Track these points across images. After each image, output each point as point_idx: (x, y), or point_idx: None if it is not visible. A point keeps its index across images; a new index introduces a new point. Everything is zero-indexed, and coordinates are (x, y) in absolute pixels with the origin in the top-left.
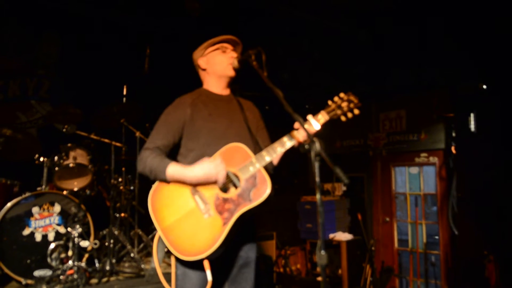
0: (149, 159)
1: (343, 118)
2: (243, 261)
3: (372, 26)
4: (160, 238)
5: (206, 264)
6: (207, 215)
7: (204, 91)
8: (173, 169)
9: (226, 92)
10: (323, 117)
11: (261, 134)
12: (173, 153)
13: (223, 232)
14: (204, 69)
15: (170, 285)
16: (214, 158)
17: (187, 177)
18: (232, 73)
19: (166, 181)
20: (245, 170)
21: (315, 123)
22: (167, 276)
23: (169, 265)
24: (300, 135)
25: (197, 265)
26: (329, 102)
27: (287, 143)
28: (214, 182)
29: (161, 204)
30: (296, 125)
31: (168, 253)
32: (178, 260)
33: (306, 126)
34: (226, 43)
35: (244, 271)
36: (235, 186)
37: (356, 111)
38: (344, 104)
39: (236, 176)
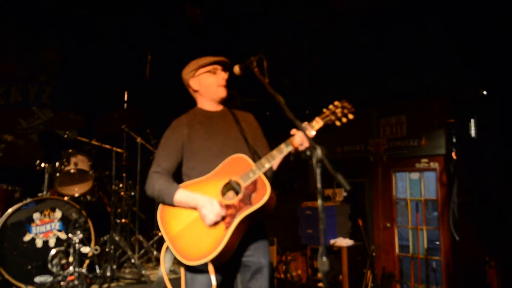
0: (158, 184)
1: (337, 123)
2: (255, 266)
3: (372, 32)
4: (167, 248)
5: (211, 268)
6: None
7: (199, 110)
8: (181, 195)
9: (220, 108)
10: (317, 123)
11: (260, 143)
12: (178, 173)
13: (226, 235)
14: (196, 90)
15: None
16: (215, 203)
17: (190, 203)
18: (223, 94)
19: (172, 205)
20: (246, 177)
21: (310, 129)
22: (173, 282)
23: (171, 271)
24: (296, 140)
25: (205, 269)
26: (324, 110)
27: (284, 149)
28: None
29: (169, 215)
30: (293, 131)
31: (178, 263)
32: (186, 266)
33: (307, 134)
34: (216, 64)
35: (257, 277)
36: (237, 193)
37: (351, 116)
38: (338, 110)
39: (238, 184)
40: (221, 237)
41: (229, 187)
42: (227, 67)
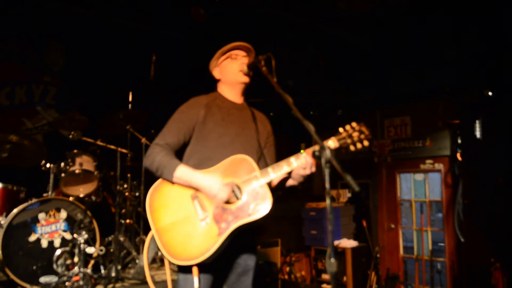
0: (159, 156)
1: (352, 148)
2: (241, 268)
3: (376, 33)
4: (152, 237)
5: (195, 270)
6: (204, 222)
7: (219, 96)
8: (182, 171)
9: (240, 100)
10: (333, 143)
11: (268, 150)
12: (178, 153)
13: (217, 241)
14: (219, 79)
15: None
16: (225, 181)
17: (193, 182)
18: (243, 79)
19: (171, 181)
20: (248, 184)
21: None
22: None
23: (172, 270)
24: (301, 162)
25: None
26: (341, 130)
27: (293, 163)
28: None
29: (159, 203)
30: (307, 151)
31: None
32: (179, 267)
33: (313, 146)
34: (238, 49)
35: (243, 279)
36: (236, 198)
37: (366, 143)
38: (355, 134)
39: (239, 188)
40: (213, 243)
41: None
42: (250, 53)
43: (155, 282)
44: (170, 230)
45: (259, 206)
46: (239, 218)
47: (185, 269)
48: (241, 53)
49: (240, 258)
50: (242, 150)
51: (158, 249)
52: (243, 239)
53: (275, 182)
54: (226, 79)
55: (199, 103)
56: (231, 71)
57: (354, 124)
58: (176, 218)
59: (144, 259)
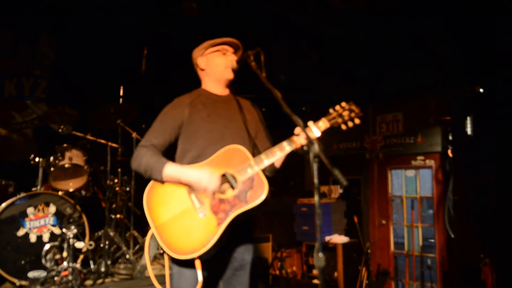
0: (145, 158)
1: (343, 127)
2: (238, 263)
3: (369, 29)
4: (152, 235)
5: (198, 263)
6: (202, 215)
7: (203, 92)
8: (170, 169)
9: (225, 92)
10: (323, 124)
11: (261, 136)
12: (169, 154)
13: (217, 232)
14: (203, 69)
15: (162, 285)
16: (213, 171)
17: (182, 178)
18: (230, 76)
19: (161, 181)
20: (243, 172)
21: (315, 129)
22: (160, 278)
23: (163, 265)
24: (299, 140)
25: (192, 264)
26: (330, 110)
27: (286, 147)
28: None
29: (156, 201)
30: (297, 130)
31: (162, 254)
32: (173, 259)
33: (306, 130)
34: (227, 45)
35: (239, 273)
36: (232, 188)
37: (357, 121)
38: (345, 113)
39: (234, 178)
40: (213, 233)
41: (224, 179)
42: (238, 51)
43: (147, 277)
44: (169, 225)
45: (256, 193)
46: (237, 206)
47: (179, 263)
48: (230, 49)
49: (236, 252)
50: (232, 142)
51: (159, 247)
52: (241, 233)
53: (278, 165)
54: (212, 72)
55: (183, 103)
56: (219, 65)
57: (343, 103)
58: (174, 213)
59: (146, 258)
